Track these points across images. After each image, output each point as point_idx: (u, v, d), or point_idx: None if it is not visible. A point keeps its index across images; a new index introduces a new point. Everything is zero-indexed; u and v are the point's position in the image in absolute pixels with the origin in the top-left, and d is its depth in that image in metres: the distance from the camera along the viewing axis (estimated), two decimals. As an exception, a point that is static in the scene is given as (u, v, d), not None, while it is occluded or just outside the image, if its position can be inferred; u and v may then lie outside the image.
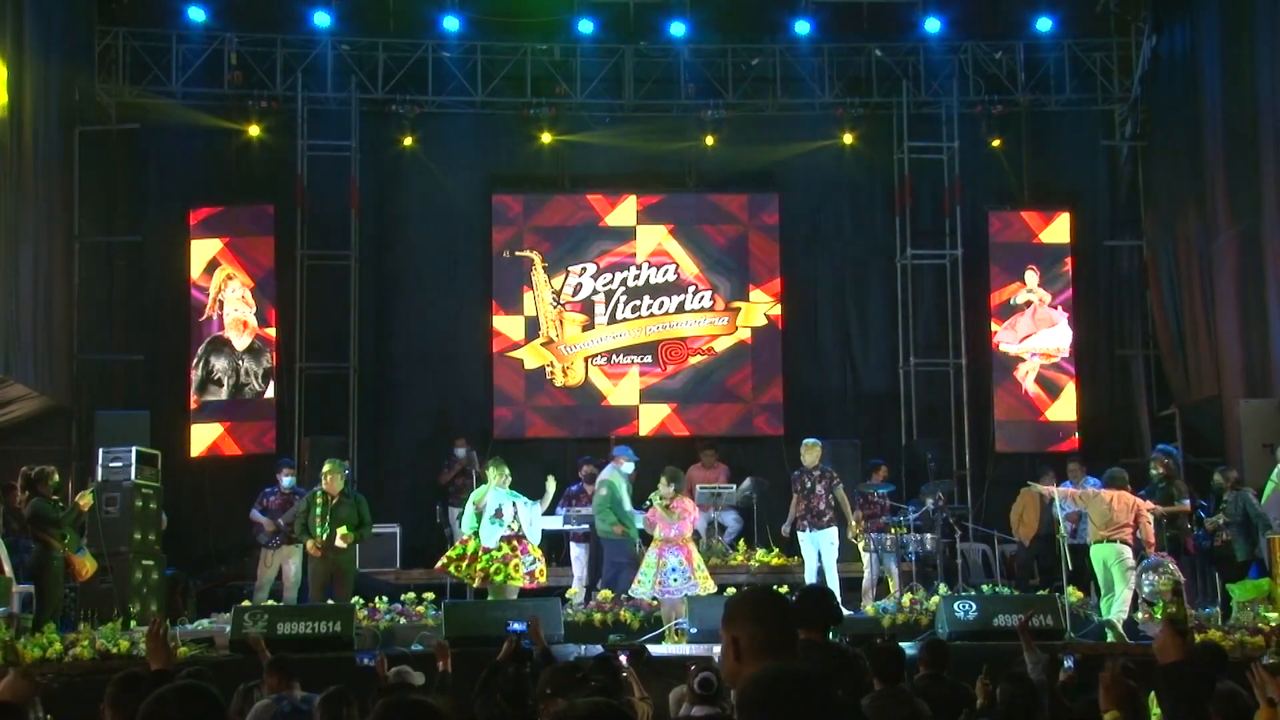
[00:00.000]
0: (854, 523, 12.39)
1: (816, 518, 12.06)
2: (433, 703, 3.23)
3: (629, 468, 11.92)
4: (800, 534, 12.19)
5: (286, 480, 12.49)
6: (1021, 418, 15.51)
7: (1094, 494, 11.08)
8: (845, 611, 11.02)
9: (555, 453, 15.48)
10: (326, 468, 11.40)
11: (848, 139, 15.74)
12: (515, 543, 10.85)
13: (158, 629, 4.62)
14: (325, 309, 15.15)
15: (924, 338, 15.60)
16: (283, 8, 15.33)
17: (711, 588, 10.86)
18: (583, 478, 12.51)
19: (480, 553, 10.84)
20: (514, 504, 10.96)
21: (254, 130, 15.26)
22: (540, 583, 11.05)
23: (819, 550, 12.04)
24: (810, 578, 11.94)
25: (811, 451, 12.32)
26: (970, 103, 15.57)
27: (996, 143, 15.67)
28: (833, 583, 11.76)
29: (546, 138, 15.63)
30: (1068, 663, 6.81)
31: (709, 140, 15.67)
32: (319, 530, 11.01)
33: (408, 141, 15.54)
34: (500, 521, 10.85)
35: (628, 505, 11.62)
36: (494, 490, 11.01)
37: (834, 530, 12.05)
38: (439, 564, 11.33)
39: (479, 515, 10.93)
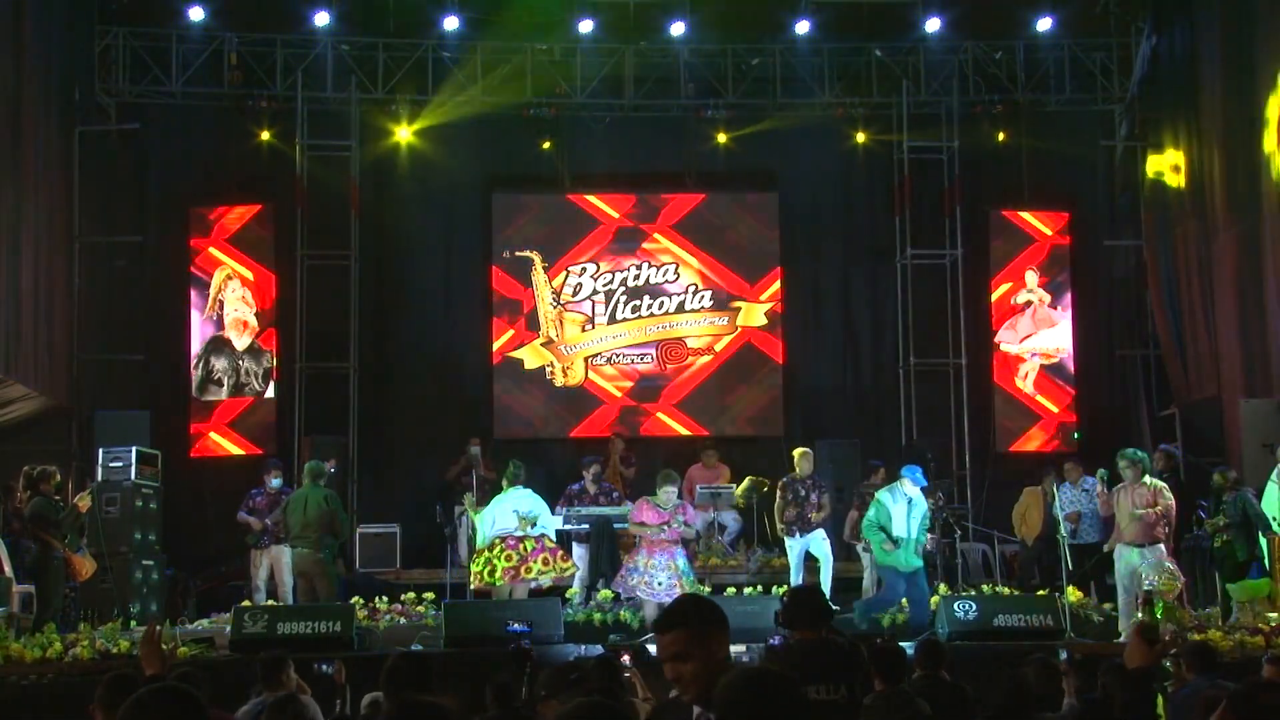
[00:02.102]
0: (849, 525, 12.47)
1: (806, 524, 12.05)
2: (444, 704, 3.24)
3: (910, 490, 10.98)
4: (789, 540, 12.13)
5: (275, 481, 12.40)
6: (1022, 418, 15.51)
7: None
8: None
9: (555, 453, 15.50)
10: (322, 468, 11.49)
11: (848, 139, 15.73)
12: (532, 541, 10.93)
13: (152, 635, 4.62)
14: (325, 309, 15.14)
15: (924, 338, 15.59)
16: (283, 8, 15.30)
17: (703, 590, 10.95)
18: (589, 478, 12.49)
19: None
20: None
21: (254, 130, 15.26)
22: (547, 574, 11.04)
23: (811, 551, 12.00)
24: (795, 582, 11.93)
25: (807, 459, 12.29)
26: (970, 103, 15.57)
27: (1002, 136, 15.64)
28: (826, 583, 11.73)
29: (546, 137, 15.62)
30: (1062, 655, 6.81)
31: (709, 140, 15.67)
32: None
33: (408, 141, 15.54)
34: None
35: (897, 529, 10.88)
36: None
37: (822, 530, 12.03)
38: (479, 583, 11.13)
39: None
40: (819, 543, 12.00)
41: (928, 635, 9.54)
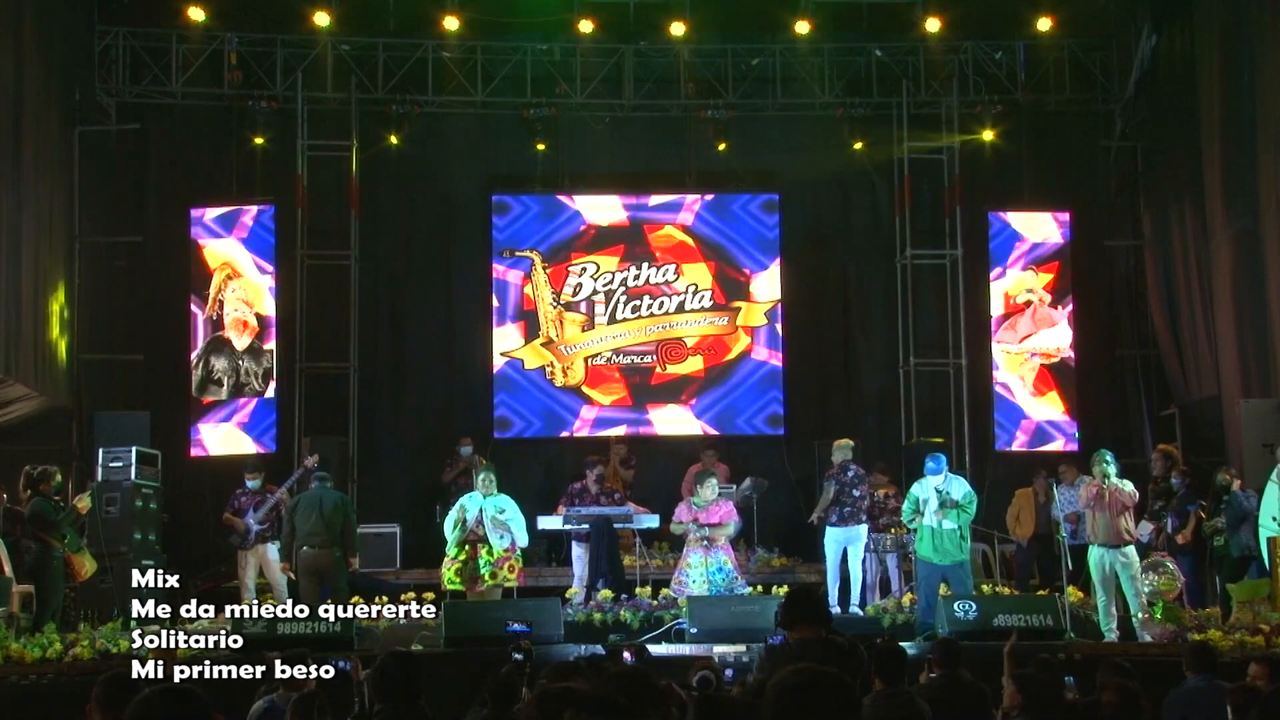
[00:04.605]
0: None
1: (842, 517, 12.01)
2: (581, 687, 3.28)
3: (933, 480, 11.07)
4: (830, 528, 12.10)
5: (251, 484, 12.28)
6: (1021, 418, 15.51)
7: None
8: (841, 611, 11.11)
9: (555, 453, 15.52)
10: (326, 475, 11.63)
11: (848, 139, 15.73)
12: (469, 547, 11.07)
13: None
14: (325, 309, 15.16)
15: (924, 338, 15.59)
16: (283, 8, 15.30)
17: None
18: (591, 478, 12.48)
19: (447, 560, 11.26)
20: (479, 510, 11.20)
21: (253, 130, 15.25)
22: (489, 585, 11.12)
23: (846, 546, 11.97)
24: (832, 573, 11.93)
25: (838, 450, 12.29)
26: (970, 103, 15.56)
27: (1001, 136, 15.60)
28: (857, 578, 11.76)
29: (546, 138, 15.61)
30: (1069, 679, 6.78)
31: (709, 140, 15.66)
32: None
33: (407, 141, 15.54)
34: (458, 529, 11.22)
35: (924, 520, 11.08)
36: (468, 497, 11.42)
37: (864, 527, 12.00)
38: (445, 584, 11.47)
39: (456, 525, 11.28)
40: (856, 541, 11.95)
41: (944, 634, 9.54)
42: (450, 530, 11.28)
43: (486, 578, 11.12)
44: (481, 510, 11.22)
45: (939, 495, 10.95)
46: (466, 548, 11.15)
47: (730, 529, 11.33)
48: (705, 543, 11.11)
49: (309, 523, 11.19)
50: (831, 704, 2.72)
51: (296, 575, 11.34)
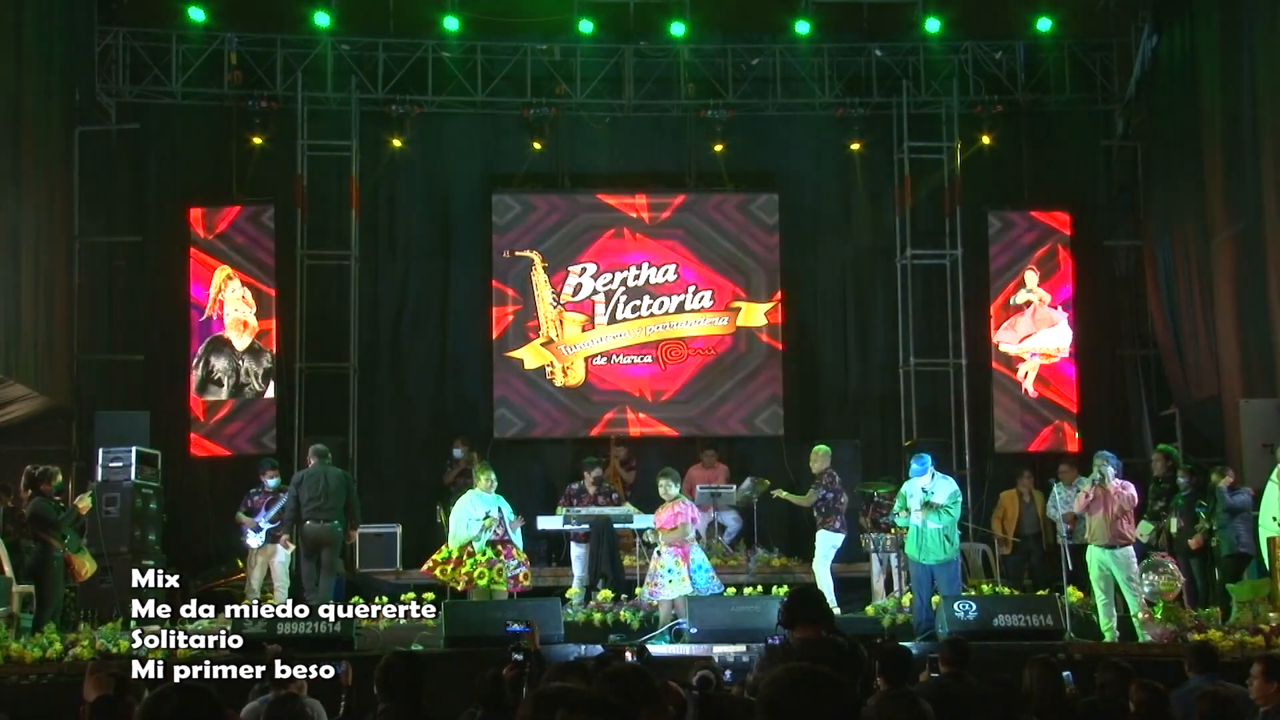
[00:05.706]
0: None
1: (823, 520, 12.03)
2: (576, 687, 3.27)
3: (920, 480, 11.06)
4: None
5: (271, 481, 12.35)
6: (1021, 418, 15.50)
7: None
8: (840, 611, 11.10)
9: (555, 453, 15.52)
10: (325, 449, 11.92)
11: (847, 139, 15.73)
12: (500, 547, 11.01)
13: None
14: (325, 309, 15.16)
15: (924, 338, 15.59)
16: (283, 8, 15.30)
17: (716, 586, 10.98)
18: (589, 479, 12.47)
19: (465, 557, 11.04)
20: (499, 509, 11.11)
21: (253, 130, 15.25)
22: (524, 586, 11.17)
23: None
24: (820, 574, 11.95)
25: (814, 458, 12.31)
26: (970, 103, 15.56)
27: (1001, 136, 15.62)
28: (822, 583, 11.71)
29: (546, 138, 15.61)
30: (1066, 675, 6.77)
31: (709, 140, 15.66)
32: None
33: (407, 142, 15.54)
34: (487, 530, 11.04)
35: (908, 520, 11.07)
36: (479, 495, 11.28)
37: (821, 532, 11.97)
38: (424, 567, 11.54)
39: (485, 528, 11.13)
40: (819, 546, 11.96)
41: (944, 634, 9.55)
42: (473, 530, 11.09)
43: (521, 579, 11.14)
44: (501, 510, 11.21)
45: (924, 495, 10.96)
46: (499, 548, 11.11)
47: (687, 531, 10.96)
48: (665, 547, 10.99)
49: (312, 496, 11.41)
50: (825, 703, 2.68)
51: (299, 551, 11.53)
